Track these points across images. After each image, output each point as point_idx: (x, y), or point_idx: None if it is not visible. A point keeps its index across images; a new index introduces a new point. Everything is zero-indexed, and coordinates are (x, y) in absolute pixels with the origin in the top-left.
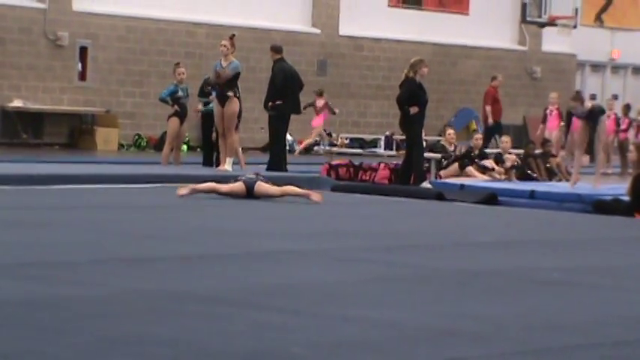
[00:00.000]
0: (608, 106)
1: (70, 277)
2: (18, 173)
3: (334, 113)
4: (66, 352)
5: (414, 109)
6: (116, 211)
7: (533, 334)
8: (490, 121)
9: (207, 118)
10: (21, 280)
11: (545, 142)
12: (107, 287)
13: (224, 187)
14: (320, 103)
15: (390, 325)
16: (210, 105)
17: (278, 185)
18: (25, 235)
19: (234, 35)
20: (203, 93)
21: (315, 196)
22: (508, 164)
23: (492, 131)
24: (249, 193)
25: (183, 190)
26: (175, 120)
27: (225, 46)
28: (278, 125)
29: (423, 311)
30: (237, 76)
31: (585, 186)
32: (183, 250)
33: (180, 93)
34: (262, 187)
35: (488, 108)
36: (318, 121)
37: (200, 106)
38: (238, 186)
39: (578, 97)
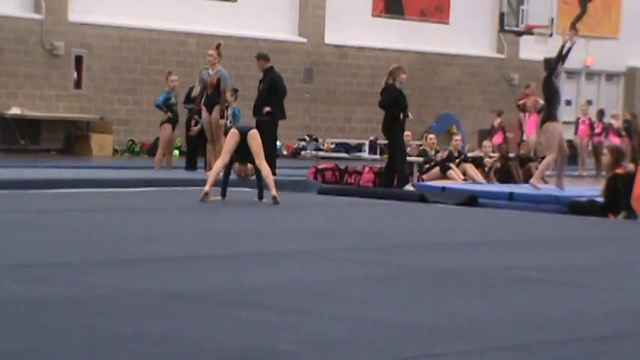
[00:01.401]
0: (583, 112)
1: (67, 277)
2: (16, 178)
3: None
4: (64, 350)
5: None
6: (111, 214)
7: (513, 331)
8: (526, 127)
9: (191, 123)
10: (20, 280)
11: (520, 145)
12: (103, 287)
13: (223, 157)
14: (496, 122)
15: (376, 322)
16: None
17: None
18: (24, 237)
19: (220, 44)
20: (189, 100)
21: (274, 191)
22: (487, 167)
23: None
24: (243, 139)
25: (207, 196)
26: (168, 126)
27: (211, 55)
28: (270, 131)
29: (408, 309)
30: (224, 85)
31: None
32: (176, 251)
33: (172, 100)
34: (255, 138)
35: (522, 115)
36: (496, 139)
37: (197, 127)
38: (232, 137)
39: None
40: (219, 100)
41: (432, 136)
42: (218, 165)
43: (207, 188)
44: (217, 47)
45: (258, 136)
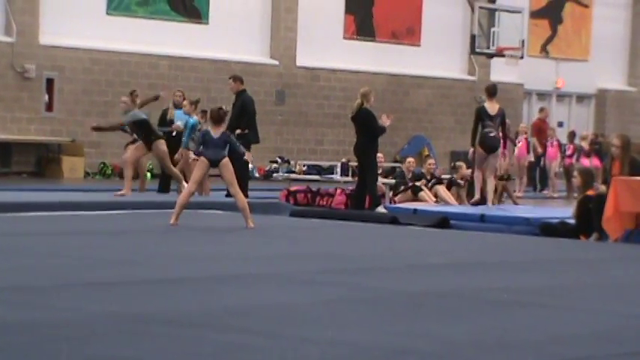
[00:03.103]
0: (522, 131)
1: (40, 301)
2: None
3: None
4: None
5: (384, 120)
6: (82, 237)
7: (485, 353)
8: (539, 150)
9: (167, 146)
10: None
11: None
12: (75, 311)
13: (190, 187)
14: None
15: (348, 345)
16: (174, 134)
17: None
18: None
19: (134, 91)
20: (164, 123)
21: (251, 222)
22: (462, 187)
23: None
24: (213, 165)
25: (172, 219)
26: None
27: (124, 102)
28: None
29: (380, 331)
30: (139, 122)
31: (533, 209)
32: (148, 274)
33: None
34: (227, 167)
35: (534, 140)
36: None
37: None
38: (200, 168)
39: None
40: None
41: (411, 159)
42: (185, 195)
43: (173, 220)
44: (131, 94)
45: (230, 165)
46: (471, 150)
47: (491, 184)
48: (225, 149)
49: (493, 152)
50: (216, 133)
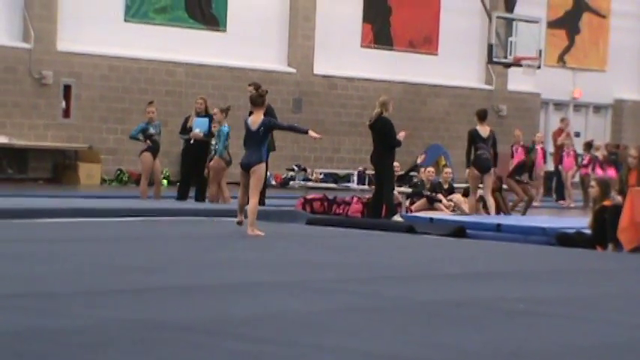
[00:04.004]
0: (538, 140)
1: (54, 308)
2: (3, 207)
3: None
4: None
5: (401, 135)
6: (98, 244)
7: None
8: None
9: (186, 155)
10: (7, 311)
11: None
12: (90, 318)
13: (242, 195)
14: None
15: (363, 354)
16: (192, 141)
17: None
18: (10, 267)
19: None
20: (184, 130)
21: (252, 230)
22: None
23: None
24: (245, 169)
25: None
26: (148, 155)
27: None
28: None
29: (395, 341)
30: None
31: (549, 219)
32: (163, 281)
33: (152, 130)
34: (257, 172)
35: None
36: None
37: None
38: (242, 176)
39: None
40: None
41: (431, 169)
42: (251, 204)
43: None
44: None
45: (263, 171)
46: (467, 171)
47: (490, 201)
48: (261, 149)
49: (487, 172)
50: (254, 124)
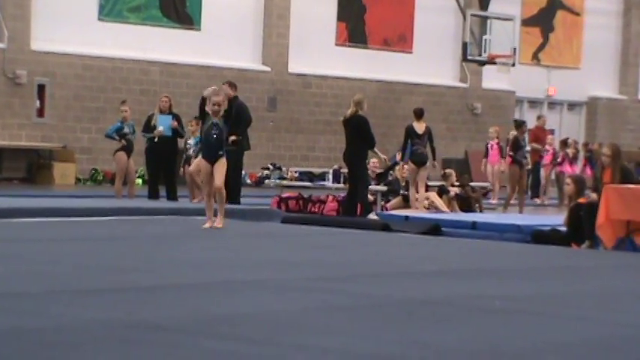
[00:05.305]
0: (547, 142)
1: (31, 307)
2: None
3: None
4: None
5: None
6: (73, 244)
7: None
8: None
9: (150, 153)
10: None
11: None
12: (65, 317)
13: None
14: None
15: (340, 352)
16: (156, 139)
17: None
18: None
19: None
20: (148, 129)
21: (218, 224)
22: (452, 195)
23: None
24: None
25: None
26: (122, 154)
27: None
28: (237, 159)
29: (371, 339)
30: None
31: (524, 216)
32: (139, 280)
33: (126, 129)
34: (220, 165)
35: (535, 145)
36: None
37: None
38: (205, 170)
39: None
40: None
41: (406, 166)
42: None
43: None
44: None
45: (225, 162)
46: (402, 164)
47: (422, 194)
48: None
49: (423, 166)
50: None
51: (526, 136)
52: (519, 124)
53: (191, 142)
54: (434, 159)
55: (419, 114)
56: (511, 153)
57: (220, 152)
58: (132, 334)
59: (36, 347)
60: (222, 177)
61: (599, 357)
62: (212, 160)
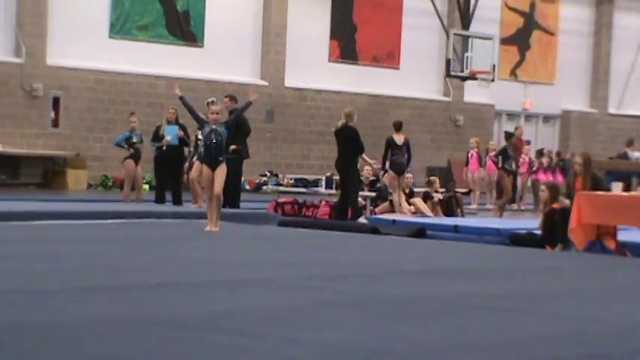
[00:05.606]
0: (524, 151)
1: (42, 303)
2: None
3: None
4: None
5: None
6: (84, 244)
7: (457, 354)
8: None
9: (159, 161)
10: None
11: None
12: (74, 313)
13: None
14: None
15: (332, 346)
16: (164, 148)
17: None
18: (2, 266)
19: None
20: (156, 138)
21: (214, 227)
22: (436, 200)
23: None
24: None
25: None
26: (130, 162)
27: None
28: (236, 167)
29: (360, 333)
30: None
31: (502, 221)
32: (145, 279)
33: (134, 139)
34: (220, 172)
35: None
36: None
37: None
38: (207, 175)
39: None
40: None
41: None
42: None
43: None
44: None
45: (225, 168)
46: (383, 172)
47: (402, 199)
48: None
49: (402, 174)
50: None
51: (525, 147)
52: (509, 136)
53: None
54: (407, 166)
55: (398, 127)
56: (494, 159)
57: (220, 158)
58: (137, 329)
59: (45, 340)
60: (222, 184)
61: (571, 350)
62: (213, 165)
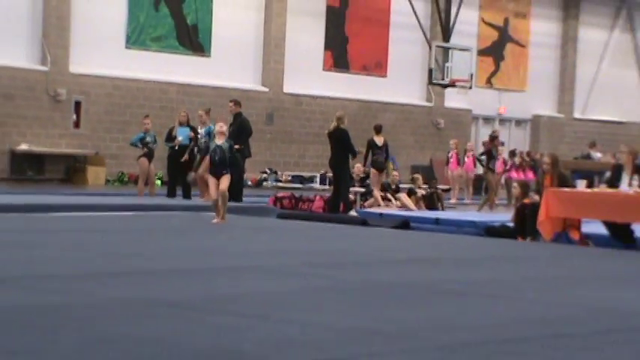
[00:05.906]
0: (499, 152)
1: (63, 287)
2: (24, 203)
3: None
4: (60, 350)
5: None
6: (102, 234)
7: (439, 334)
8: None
9: (171, 159)
10: (22, 290)
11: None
12: (93, 296)
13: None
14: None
15: (325, 326)
16: (176, 147)
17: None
18: (29, 252)
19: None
20: (170, 139)
21: (222, 220)
22: (419, 195)
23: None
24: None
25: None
26: (144, 160)
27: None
28: (240, 165)
29: (352, 315)
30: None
31: (479, 214)
32: (157, 265)
33: (148, 139)
34: (224, 179)
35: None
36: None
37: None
38: (212, 181)
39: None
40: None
41: (395, 172)
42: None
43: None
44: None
45: (229, 178)
46: (363, 169)
47: (377, 194)
48: (226, 163)
49: (382, 171)
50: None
51: (500, 148)
52: (493, 138)
53: (201, 131)
54: (385, 163)
55: (378, 129)
56: (479, 159)
57: (224, 171)
58: (147, 310)
59: (66, 320)
60: (227, 185)
61: (540, 330)
62: (218, 176)
